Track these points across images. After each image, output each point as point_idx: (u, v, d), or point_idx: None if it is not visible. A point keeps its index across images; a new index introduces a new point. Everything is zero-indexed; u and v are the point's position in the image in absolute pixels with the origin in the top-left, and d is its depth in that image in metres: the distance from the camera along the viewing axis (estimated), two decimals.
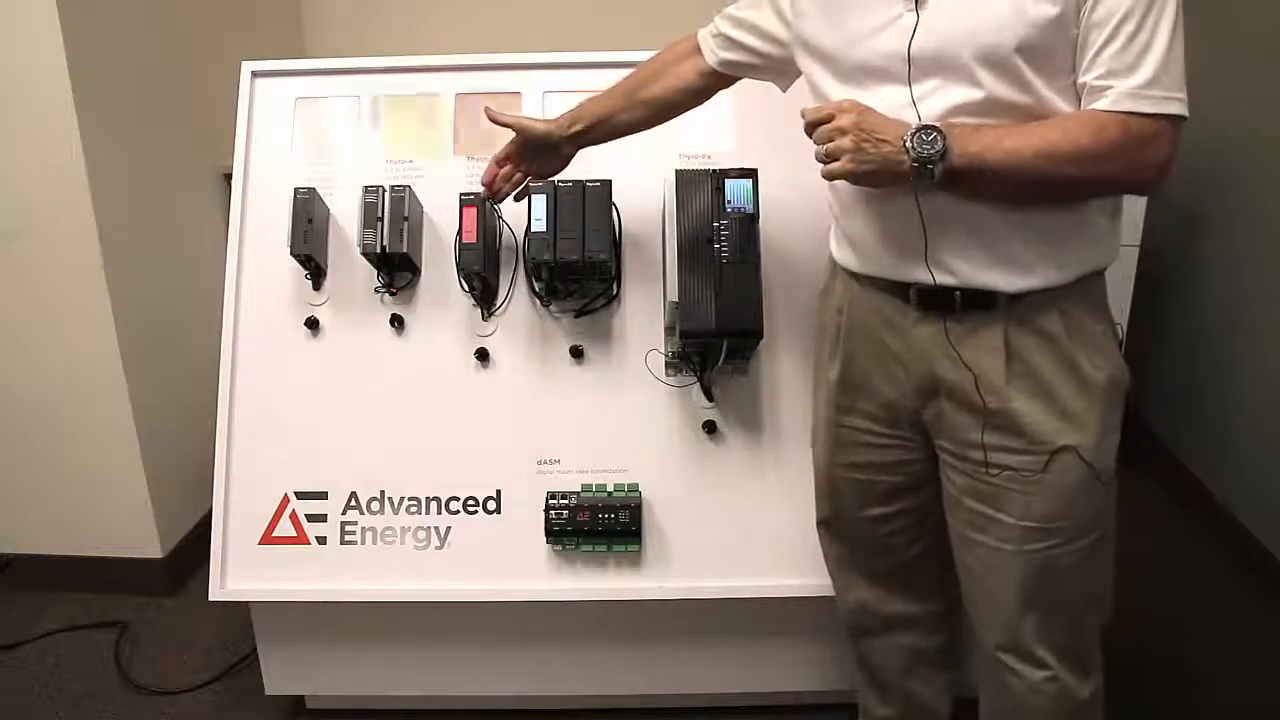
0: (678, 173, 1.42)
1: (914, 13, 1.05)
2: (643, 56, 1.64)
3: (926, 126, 1.00)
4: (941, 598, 1.38)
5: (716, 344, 1.43)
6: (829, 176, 1.05)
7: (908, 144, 1.00)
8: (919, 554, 1.34)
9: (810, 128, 1.06)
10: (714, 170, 1.41)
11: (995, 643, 1.21)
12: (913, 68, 1.06)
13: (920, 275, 1.12)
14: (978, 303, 1.11)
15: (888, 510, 1.30)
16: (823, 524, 1.40)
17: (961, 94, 1.04)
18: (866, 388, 1.24)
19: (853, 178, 1.04)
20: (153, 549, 2.11)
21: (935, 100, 1.06)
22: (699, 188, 1.40)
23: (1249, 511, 2.22)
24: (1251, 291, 2.24)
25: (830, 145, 1.03)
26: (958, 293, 1.11)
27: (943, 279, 1.11)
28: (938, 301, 1.13)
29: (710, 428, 1.55)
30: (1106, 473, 1.14)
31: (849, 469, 1.30)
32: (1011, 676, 1.20)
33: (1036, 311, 1.11)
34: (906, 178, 1.02)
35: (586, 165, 1.47)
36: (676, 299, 1.38)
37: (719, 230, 1.38)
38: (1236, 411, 2.30)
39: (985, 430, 1.13)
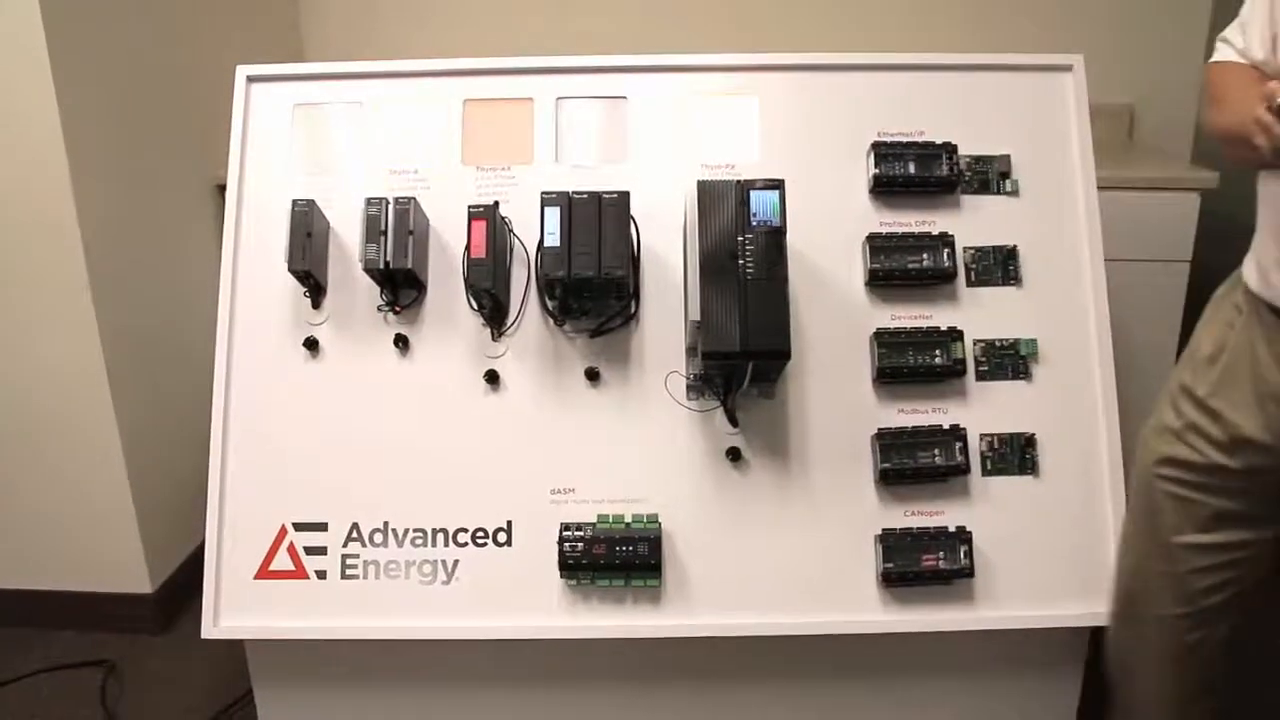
0: (700, 184, 1.36)
1: None
2: (652, 59, 1.59)
3: None
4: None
5: (741, 366, 1.37)
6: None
7: None
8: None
9: None
10: (738, 181, 1.35)
11: None
12: None
13: None
14: None
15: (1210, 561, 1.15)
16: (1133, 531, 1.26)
17: None
18: (1226, 417, 1.10)
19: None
20: (142, 584, 2.06)
21: None
22: (722, 200, 1.34)
23: None
24: None
25: None
26: None
27: None
28: None
29: (734, 455, 1.48)
30: None
31: (1168, 484, 1.16)
32: None
33: None
34: None
35: (603, 177, 1.42)
36: (698, 318, 1.32)
37: (744, 245, 1.32)
38: None
39: None
